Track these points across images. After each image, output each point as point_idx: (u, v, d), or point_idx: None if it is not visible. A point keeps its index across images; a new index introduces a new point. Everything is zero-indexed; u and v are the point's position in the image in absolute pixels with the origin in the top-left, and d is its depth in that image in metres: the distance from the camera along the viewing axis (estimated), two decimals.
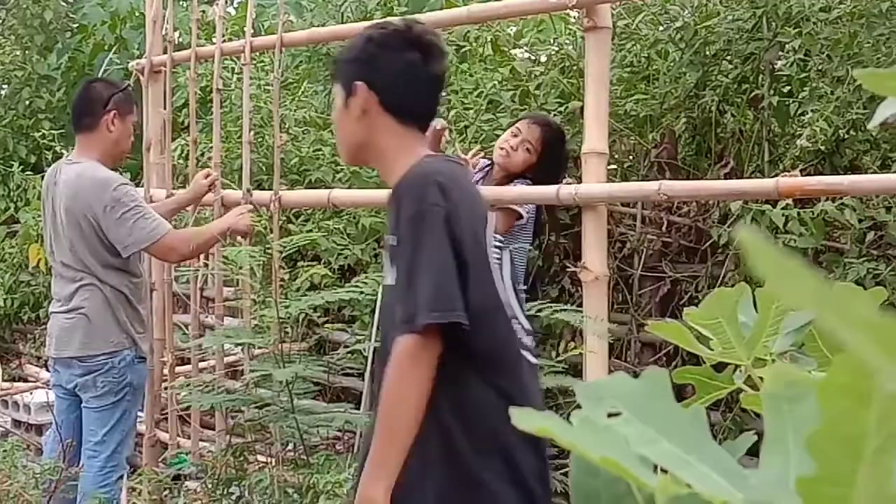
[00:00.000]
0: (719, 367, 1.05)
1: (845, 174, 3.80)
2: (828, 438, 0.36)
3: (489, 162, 4.18)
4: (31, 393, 5.89)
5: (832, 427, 0.36)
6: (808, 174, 3.68)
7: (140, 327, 3.92)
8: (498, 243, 3.83)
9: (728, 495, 0.42)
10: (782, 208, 3.78)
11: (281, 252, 3.84)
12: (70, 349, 3.78)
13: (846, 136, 4.01)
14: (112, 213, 3.70)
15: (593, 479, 0.44)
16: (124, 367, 3.80)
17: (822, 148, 3.92)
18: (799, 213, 3.78)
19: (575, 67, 4.82)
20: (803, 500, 0.38)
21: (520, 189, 3.90)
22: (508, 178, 4.01)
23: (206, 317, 5.26)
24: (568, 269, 4.26)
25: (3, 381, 6.49)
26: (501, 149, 4.01)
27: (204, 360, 5.02)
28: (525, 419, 0.43)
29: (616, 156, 4.69)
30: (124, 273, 3.85)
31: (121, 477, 3.82)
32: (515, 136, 4.03)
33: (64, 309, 3.83)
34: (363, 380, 4.94)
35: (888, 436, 0.35)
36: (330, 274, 4.20)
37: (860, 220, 3.77)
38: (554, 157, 4.03)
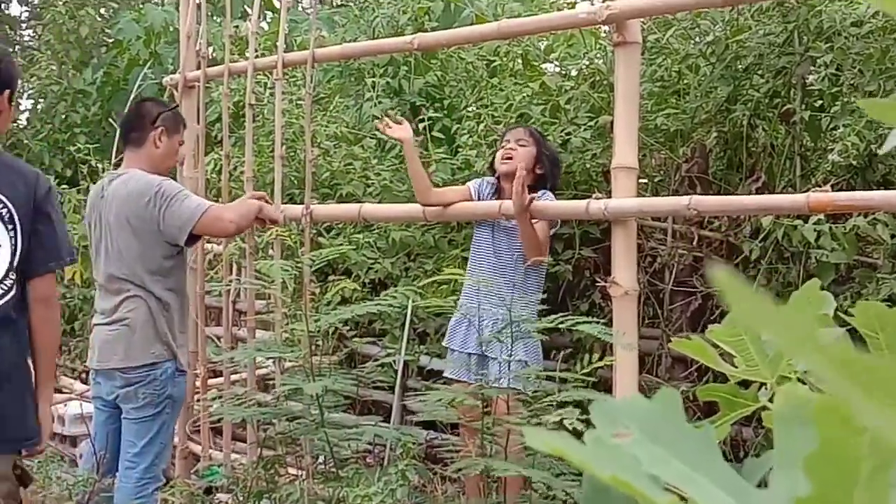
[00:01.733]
0: (746, 382, 1.06)
1: (878, 189, 3.77)
2: (823, 461, 0.37)
3: (493, 181, 4.21)
4: (66, 404, 5.95)
5: (828, 450, 0.37)
6: (841, 189, 3.67)
7: (181, 340, 3.97)
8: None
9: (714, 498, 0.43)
10: (814, 223, 3.77)
11: (311, 266, 3.87)
12: (113, 361, 3.83)
13: (878, 151, 3.99)
14: (158, 203, 3.79)
15: (605, 497, 0.45)
16: (165, 379, 3.84)
17: (854, 163, 3.90)
18: (831, 228, 3.76)
19: (605, 82, 4.83)
20: None
21: (546, 203, 3.91)
22: (530, 188, 4.00)
23: (239, 330, 5.30)
24: (598, 284, 4.26)
25: None
26: (503, 159, 4.10)
27: (236, 373, 5.06)
28: (540, 440, 0.44)
29: (646, 170, 4.69)
30: (171, 283, 3.90)
31: (157, 489, 3.86)
32: (505, 145, 4.15)
33: (107, 321, 3.87)
34: (393, 393, 4.96)
35: (881, 461, 0.36)
36: (359, 288, 4.23)
37: (893, 236, 3.74)
38: (547, 148, 4.21)
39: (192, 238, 3.91)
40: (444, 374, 4.21)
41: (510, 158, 4.05)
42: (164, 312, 3.87)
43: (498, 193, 4.16)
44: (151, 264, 3.84)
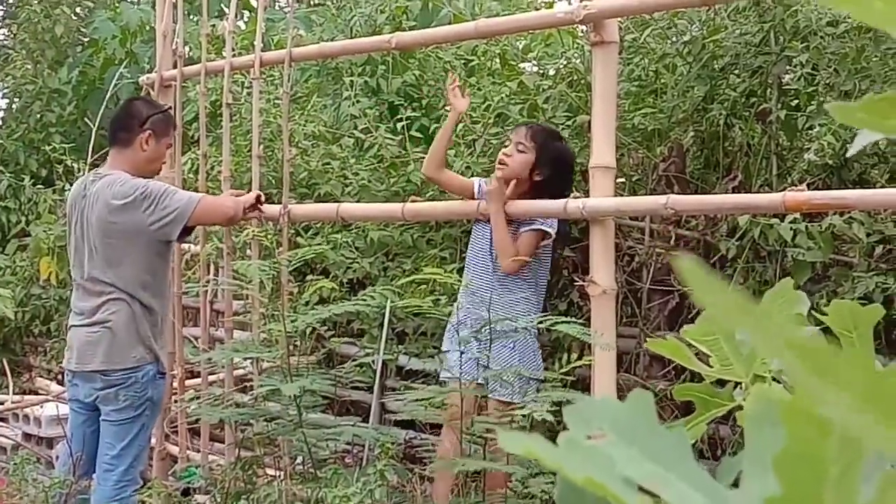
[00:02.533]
0: (723, 381, 1.06)
1: (854, 188, 3.80)
2: (792, 461, 0.37)
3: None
4: (42, 406, 5.91)
5: (796, 450, 0.37)
6: (817, 188, 3.69)
7: (162, 342, 3.95)
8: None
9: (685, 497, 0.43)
10: (790, 222, 3.79)
11: (288, 265, 3.86)
12: (94, 362, 3.79)
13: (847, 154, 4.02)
14: (145, 204, 3.75)
15: (579, 496, 0.45)
16: (146, 381, 3.81)
17: (830, 162, 3.92)
18: (807, 227, 3.79)
19: (583, 81, 4.84)
20: None
21: (527, 204, 3.84)
22: (531, 194, 3.90)
23: (216, 330, 5.28)
24: (576, 283, 4.26)
25: (14, 393, 6.51)
26: (499, 164, 3.90)
27: (214, 374, 5.04)
28: (514, 442, 0.44)
29: (624, 169, 4.70)
30: (155, 288, 3.87)
31: (135, 491, 3.84)
32: (505, 146, 3.99)
33: (87, 322, 3.83)
34: (371, 393, 4.95)
35: (849, 462, 0.36)
36: (337, 287, 4.21)
37: (868, 234, 3.76)
38: (550, 151, 3.93)
39: (185, 231, 3.90)
40: (442, 377, 4.03)
41: (503, 165, 3.88)
42: (148, 316, 3.85)
43: None
44: (137, 269, 3.81)
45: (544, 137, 3.97)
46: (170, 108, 4.31)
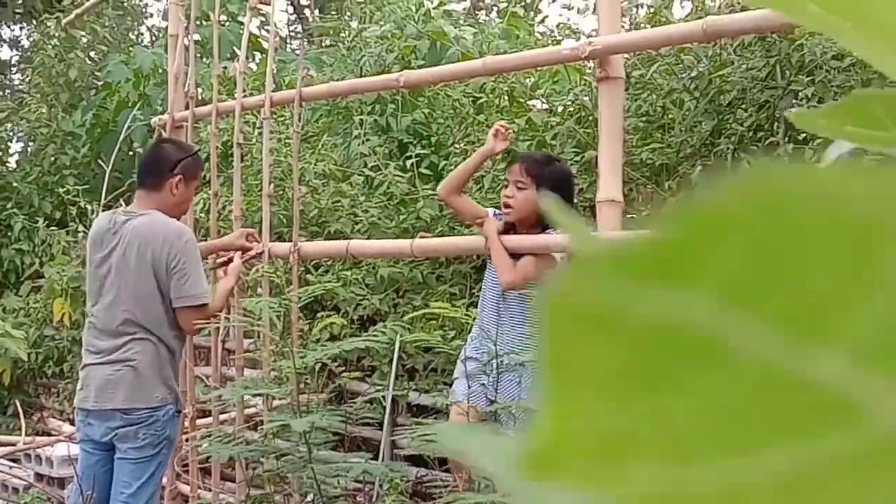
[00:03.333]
0: None
1: None
2: None
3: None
4: (53, 446, 5.91)
5: None
6: None
7: (178, 381, 3.96)
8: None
9: None
10: None
11: (298, 302, 3.87)
12: (114, 401, 3.76)
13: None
14: (181, 259, 3.73)
15: None
16: (166, 420, 3.81)
17: None
18: None
19: (591, 117, 4.87)
20: None
21: (532, 238, 3.83)
22: (534, 225, 3.90)
23: (228, 369, 5.29)
24: None
25: (26, 434, 6.52)
26: (505, 207, 3.88)
27: (225, 412, 5.04)
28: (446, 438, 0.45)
29: (634, 205, 4.71)
30: (179, 329, 3.86)
31: None
32: (507, 186, 3.92)
33: (107, 360, 3.79)
34: (381, 429, 4.94)
35: None
36: (347, 324, 4.22)
37: None
38: (547, 177, 3.88)
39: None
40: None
41: (508, 208, 3.86)
42: (171, 357, 3.85)
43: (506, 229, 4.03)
44: (164, 310, 3.80)
45: (538, 168, 3.93)
46: (199, 150, 4.28)
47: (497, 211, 4.07)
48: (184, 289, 3.74)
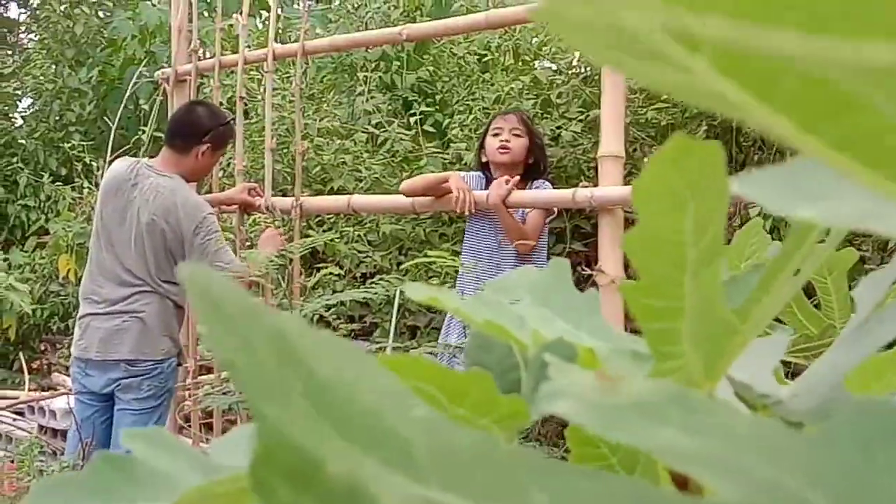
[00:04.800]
0: None
1: None
2: (646, 244, 0.36)
3: (477, 174, 4.11)
4: (53, 399, 5.97)
5: (648, 231, 0.36)
6: None
7: (181, 334, 4.01)
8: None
9: (594, 344, 0.43)
10: None
11: (297, 253, 3.87)
12: (120, 351, 3.77)
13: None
14: (197, 237, 3.75)
15: (487, 355, 0.46)
16: (170, 372, 3.85)
17: None
18: None
19: (597, 76, 4.83)
20: (634, 312, 0.38)
21: (534, 192, 3.90)
22: (521, 178, 3.96)
23: None
24: (586, 273, 4.25)
25: (31, 389, 6.56)
26: (501, 149, 3.95)
27: None
28: (415, 291, 0.45)
29: (637, 164, 4.69)
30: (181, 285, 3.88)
31: None
32: (499, 133, 3.99)
33: (112, 310, 3.79)
34: None
35: (707, 246, 0.35)
36: (343, 274, 4.22)
37: None
38: (538, 136, 4.12)
39: None
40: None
41: (507, 150, 3.95)
42: (177, 311, 3.88)
43: (488, 186, 4.09)
44: (169, 274, 3.81)
45: (531, 122, 4.15)
46: (232, 119, 4.23)
47: (463, 174, 4.07)
48: (210, 258, 3.74)
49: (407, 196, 4.02)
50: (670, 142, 0.34)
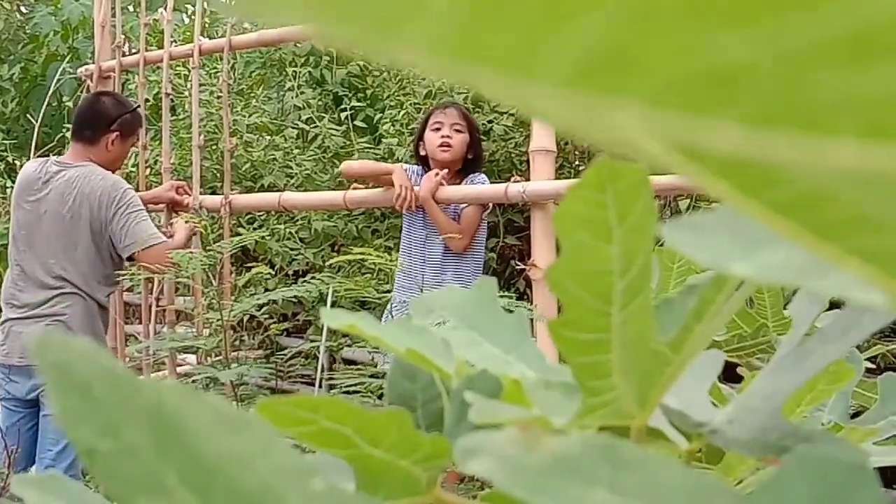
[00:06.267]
0: None
1: None
2: (570, 276, 0.34)
3: (417, 167, 4.06)
4: None
5: (572, 262, 0.34)
6: None
7: (108, 339, 3.91)
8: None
9: (520, 374, 0.41)
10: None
11: (226, 252, 3.81)
12: None
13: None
14: (118, 210, 3.66)
15: (410, 383, 0.43)
16: None
17: None
18: None
19: None
20: (560, 347, 0.36)
21: (466, 188, 3.88)
22: (457, 172, 3.94)
23: (162, 326, 5.20)
24: (519, 268, 4.26)
25: None
26: (442, 146, 3.87)
27: (159, 371, 4.97)
28: (333, 318, 0.43)
29: (568, 157, 4.70)
30: (112, 289, 3.81)
31: None
32: (439, 128, 3.91)
33: (32, 315, 3.70)
34: (319, 386, 4.90)
35: (635, 276, 0.33)
36: (275, 272, 4.17)
37: None
38: (477, 130, 4.06)
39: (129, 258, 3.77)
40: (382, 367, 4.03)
41: (448, 147, 3.87)
42: (101, 313, 3.79)
43: None
44: (100, 269, 3.72)
45: (469, 116, 4.07)
46: (138, 106, 4.16)
47: (409, 167, 4.03)
48: (134, 232, 3.67)
49: (347, 178, 4.00)
50: (593, 166, 0.32)
